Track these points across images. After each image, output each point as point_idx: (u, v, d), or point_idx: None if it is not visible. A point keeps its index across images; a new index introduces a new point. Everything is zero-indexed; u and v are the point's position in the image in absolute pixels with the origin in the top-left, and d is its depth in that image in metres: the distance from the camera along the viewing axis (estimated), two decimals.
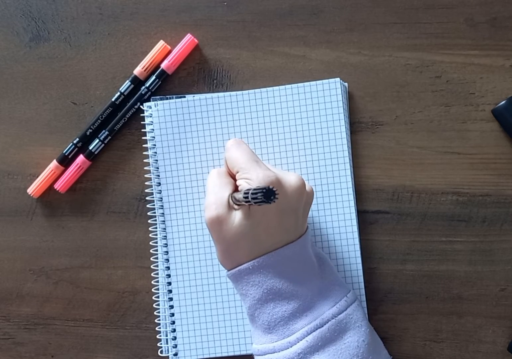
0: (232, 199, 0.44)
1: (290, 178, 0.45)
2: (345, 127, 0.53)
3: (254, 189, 0.38)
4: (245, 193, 0.40)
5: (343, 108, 0.53)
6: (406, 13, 0.53)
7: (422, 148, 0.53)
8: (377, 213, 0.54)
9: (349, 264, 0.53)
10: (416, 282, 0.54)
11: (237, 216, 0.44)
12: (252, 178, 0.43)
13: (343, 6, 0.53)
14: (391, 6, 0.53)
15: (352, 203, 0.53)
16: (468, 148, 0.53)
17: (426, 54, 0.53)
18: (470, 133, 0.53)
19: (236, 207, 0.44)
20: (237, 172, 0.46)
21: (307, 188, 0.46)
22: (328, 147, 0.53)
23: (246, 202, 0.40)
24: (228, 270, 0.46)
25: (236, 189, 0.46)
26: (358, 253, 0.53)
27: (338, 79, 0.53)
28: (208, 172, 0.53)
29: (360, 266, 0.53)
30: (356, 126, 0.54)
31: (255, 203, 0.38)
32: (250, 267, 0.44)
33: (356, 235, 0.53)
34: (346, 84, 0.53)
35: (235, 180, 0.47)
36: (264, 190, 0.37)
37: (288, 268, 0.45)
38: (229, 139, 0.53)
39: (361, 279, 0.53)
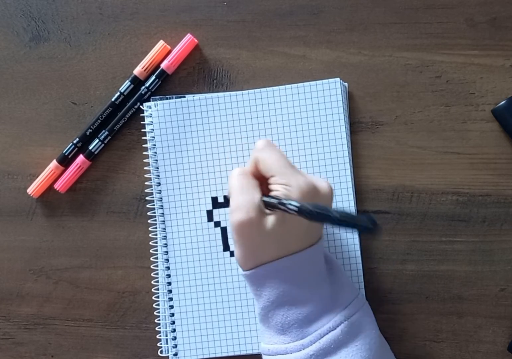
0: (262, 202, 0.43)
1: (322, 185, 0.44)
2: (345, 127, 0.53)
3: (350, 217, 0.37)
4: (316, 212, 0.38)
5: (343, 108, 0.53)
6: (406, 13, 0.53)
7: (422, 148, 0.53)
8: (377, 213, 0.54)
9: (349, 264, 0.53)
10: (416, 282, 0.54)
11: (270, 221, 0.43)
12: (291, 185, 0.43)
13: (343, 6, 0.53)
14: (391, 6, 0.53)
15: (352, 203, 0.53)
16: (468, 148, 0.53)
17: (426, 54, 0.53)
18: (470, 133, 0.53)
19: (268, 211, 0.44)
20: (272, 176, 0.44)
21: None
22: (328, 147, 0.53)
23: (307, 217, 0.39)
24: (244, 270, 0.46)
25: (263, 192, 0.45)
26: (358, 253, 0.53)
27: (338, 79, 0.53)
28: (208, 172, 0.53)
29: (360, 266, 0.53)
30: (356, 126, 0.54)
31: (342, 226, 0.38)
32: (269, 269, 0.44)
33: (356, 235, 0.53)
34: (346, 84, 0.53)
35: (260, 181, 0.46)
36: (368, 221, 0.36)
37: (305, 272, 0.45)
38: (228, 139, 0.53)
39: (361, 279, 0.53)
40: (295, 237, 0.44)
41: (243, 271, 0.46)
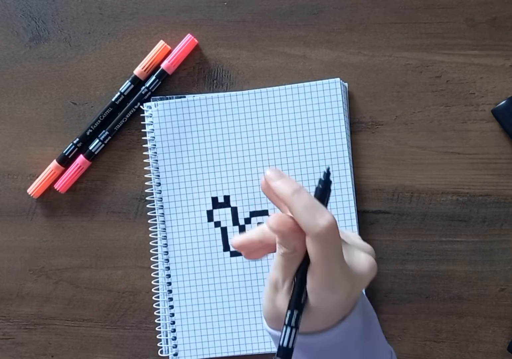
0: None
1: (361, 269, 0.37)
2: (345, 127, 0.53)
3: None
4: None
5: (343, 108, 0.53)
6: (406, 13, 0.53)
7: (422, 148, 0.53)
8: (377, 213, 0.54)
9: None
10: (416, 282, 0.54)
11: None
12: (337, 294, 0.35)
13: (343, 6, 0.53)
14: (391, 6, 0.53)
15: (352, 203, 0.53)
16: (468, 148, 0.53)
17: (426, 54, 0.53)
18: (470, 133, 0.53)
19: None
20: (314, 264, 0.34)
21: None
22: (328, 147, 0.53)
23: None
24: (269, 327, 0.38)
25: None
26: None
27: (338, 79, 0.53)
28: (208, 172, 0.53)
29: None
30: (356, 126, 0.54)
31: None
32: None
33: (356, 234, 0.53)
34: (346, 84, 0.53)
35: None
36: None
37: (336, 346, 0.37)
38: (228, 139, 0.53)
39: None
40: (327, 315, 0.36)
41: (268, 326, 0.38)
